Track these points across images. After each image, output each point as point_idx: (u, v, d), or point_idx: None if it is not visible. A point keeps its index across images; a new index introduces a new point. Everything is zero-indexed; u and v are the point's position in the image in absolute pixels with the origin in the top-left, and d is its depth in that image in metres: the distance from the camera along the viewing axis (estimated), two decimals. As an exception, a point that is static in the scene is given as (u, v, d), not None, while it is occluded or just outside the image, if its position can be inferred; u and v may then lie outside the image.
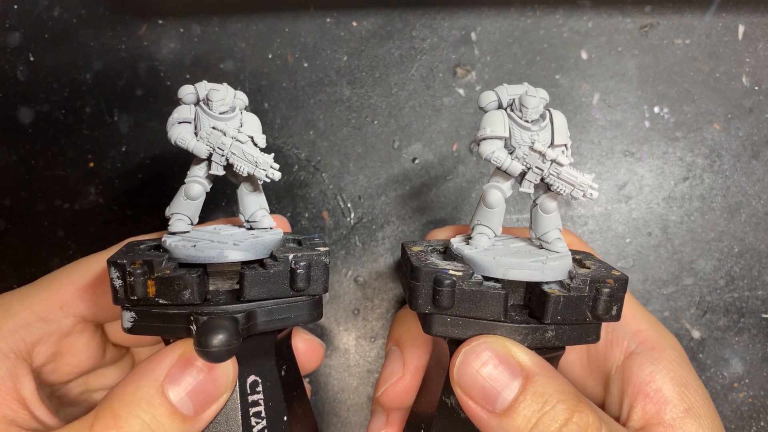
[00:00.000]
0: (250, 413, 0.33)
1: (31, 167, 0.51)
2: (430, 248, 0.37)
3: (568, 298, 0.31)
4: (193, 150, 0.35)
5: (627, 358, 0.37)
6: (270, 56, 0.51)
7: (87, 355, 0.39)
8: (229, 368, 0.32)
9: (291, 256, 0.32)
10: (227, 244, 0.33)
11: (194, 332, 0.29)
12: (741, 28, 0.50)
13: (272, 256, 0.33)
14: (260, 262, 0.33)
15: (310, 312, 0.34)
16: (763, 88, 0.50)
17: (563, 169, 0.32)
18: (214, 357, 0.28)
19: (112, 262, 0.31)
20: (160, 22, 0.50)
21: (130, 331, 0.32)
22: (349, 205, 0.51)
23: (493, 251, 0.34)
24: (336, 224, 0.51)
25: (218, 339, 0.28)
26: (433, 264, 0.33)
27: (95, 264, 0.38)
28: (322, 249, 0.34)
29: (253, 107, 0.51)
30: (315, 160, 0.51)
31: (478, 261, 0.33)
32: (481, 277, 0.32)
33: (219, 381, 0.31)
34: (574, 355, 0.40)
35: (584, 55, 0.50)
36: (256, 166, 0.34)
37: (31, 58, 0.50)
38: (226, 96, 0.35)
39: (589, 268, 0.34)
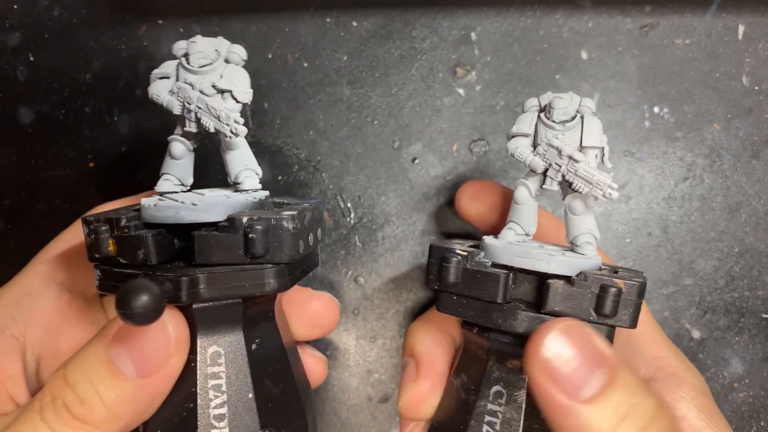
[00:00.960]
0: (209, 385, 0.31)
1: (31, 167, 0.51)
2: (464, 241, 0.38)
3: (569, 290, 0.31)
4: (167, 105, 0.33)
5: (647, 383, 0.35)
6: (270, 56, 0.51)
7: (83, 329, 0.38)
8: (176, 329, 0.29)
9: (245, 220, 0.30)
10: (184, 205, 0.31)
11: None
12: (741, 28, 0.50)
13: (228, 219, 0.30)
14: (215, 224, 0.31)
15: (270, 281, 0.31)
16: (764, 88, 0.50)
17: (579, 165, 0.32)
18: (132, 319, 0.26)
19: (83, 219, 0.31)
20: (160, 22, 0.50)
21: (98, 289, 0.32)
22: (349, 205, 0.51)
23: (512, 245, 0.34)
24: (336, 224, 0.51)
25: (140, 301, 0.25)
26: (447, 243, 0.34)
27: (73, 232, 0.38)
28: (287, 213, 0.31)
29: (253, 107, 0.51)
30: (315, 160, 0.51)
31: (490, 247, 0.34)
32: (488, 262, 0.33)
33: (160, 341, 0.29)
34: None
35: (584, 55, 0.50)
36: (219, 119, 0.32)
37: (31, 58, 0.50)
38: (205, 48, 0.33)
39: (615, 273, 0.33)
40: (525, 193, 0.35)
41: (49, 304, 0.36)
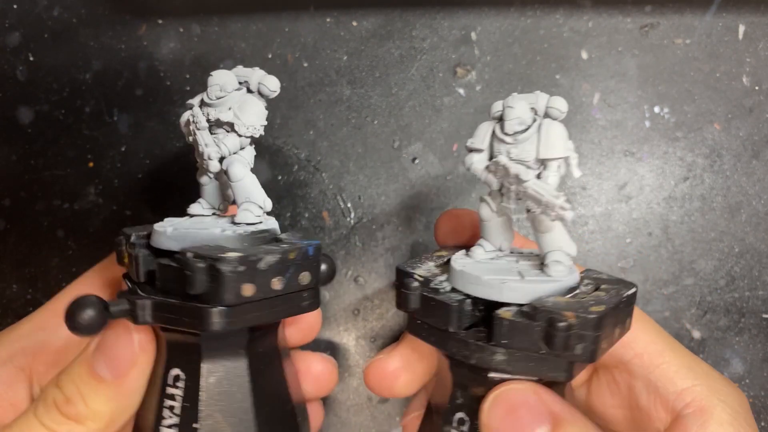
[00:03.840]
0: (164, 404, 0.33)
1: (31, 167, 0.51)
2: (441, 255, 0.37)
3: (513, 323, 0.29)
4: (182, 127, 0.35)
5: (674, 421, 0.33)
6: (270, 56, 0.51)
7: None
8: (138, 333, 0.33)
9: (188, 254, 0.29)
10: (164, 233, 0.33)
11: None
12: (741, 28, 0.50)
13: (185, 251, 0.30)
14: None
15: (202, 319, 0.30)
16: (764, 88, 0.50)
17: (528, 185, 0.30)
18: (79, 331, 0.30)
19: (121, 232, 0.34)
20: (160, 22, 0.50)
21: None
22: (349, 205, 0.51)
23: (477, 265, 0.33)
24: (336, 224, 0.51)
25: (86, 315, 0.29)
26: (412, 266, 0.33)
27: (95, 275, 0.39)
28: (232, 255, 0.29)
29: (253, 107, 0.51)
30: (315, 160, 0.51)
31: (452, 271, 0.32)
32: (448, 286, 0.31)
33: (126, 345, 0.32)
34: (615, 410, 0.37)
35: (584, 55, 0.50)
36: (201, 156, 0.33)
37: (31, 58, 0.50)
38: (221, 81, 0.33)
39: (598, 287, 0.31)
40: (486, 210, 0.33)
41: (59, 341, 0.37)
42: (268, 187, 0.50)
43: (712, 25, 0.50)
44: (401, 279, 0.32)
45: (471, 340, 0.30)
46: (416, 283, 0.31)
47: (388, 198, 0.51)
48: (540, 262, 0.33)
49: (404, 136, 0.51)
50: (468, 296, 0.31)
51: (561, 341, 0.28)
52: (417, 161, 0.51)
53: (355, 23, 0.51)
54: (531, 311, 0.29)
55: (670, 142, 0.50)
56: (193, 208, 0.36)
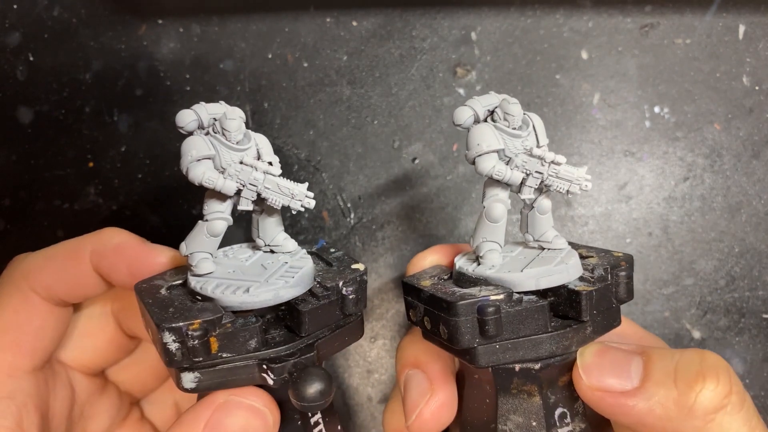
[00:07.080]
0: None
1: (30, 167, 0.51)
2: (437, 278, 0.36)
3: (599, 290, 0.31)
4: (222, 189, 0.32)
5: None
6: (270, 56, 0.51)
7: (61, 400, 0.37)
8: (273, 415, 0.32)
9: (341, 284, 0.33)
10: (278, 284, 0.31)
11: (290, 385, 0.30)
12: (741, 28, 0.50)
13: (320, 285, 0.33)
14: (309, 292, 0.32)
15: (359, 331, 0.36)
16: (764, 88, 0.50)
17: (561, 167, 0.33)
18: (312, 408, 0.30)
19: (167, 328, 0.29)
20: (160, 21, 0.50)
21: (194, 390, 0.31)
22: (349, 205, 0.51)
23: (510, 265, 0.33)
24: (336, 224, 0.51)
25: (315, 389, 0.29)
26: (469, 294, 0.31)
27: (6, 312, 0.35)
28: (360, 267, 0.34)
29: (253, 107, 0.51)
30: (315, 160, 0.51)
31: (507, 279, 0.32)
32: (519, 295, 0.32)
33: (256, 424, 0.31)
34: None
35: (584, 55, 0.50)
36: (292, 197, 0.33)
37: (31, 58, 0.50)
38: (241, 125, 0.33)
39: (592, 256, 0.35)
40: (503, 209, 0.34)
41: (30, 396, 0.34)
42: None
43: (712, 25, 0.50)
44: (471, 309, 0.30)
45: (566, 329, 0.31)
46: (494, 307, 0.30)
47: (388, 198, 0.51)
48: (528, 242, 0.36)
49: (404, 136, 0.51)
50: (533, 293, 0.32)
51: (626, 287, 0.33)
52: (417, 161, 0.51)
53: (355, 23, 0.51)
54: (603, 274, 0.32)
55: (670, 142, 0.50)
56: (206, 266, 0.33)
